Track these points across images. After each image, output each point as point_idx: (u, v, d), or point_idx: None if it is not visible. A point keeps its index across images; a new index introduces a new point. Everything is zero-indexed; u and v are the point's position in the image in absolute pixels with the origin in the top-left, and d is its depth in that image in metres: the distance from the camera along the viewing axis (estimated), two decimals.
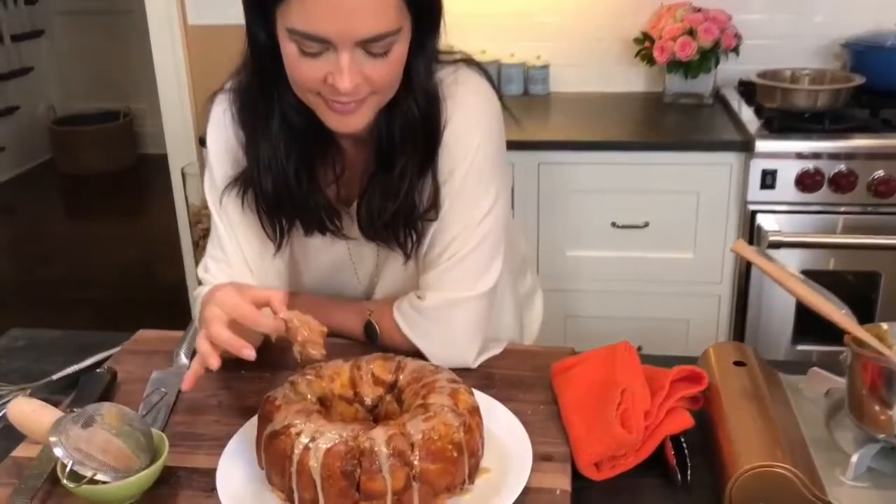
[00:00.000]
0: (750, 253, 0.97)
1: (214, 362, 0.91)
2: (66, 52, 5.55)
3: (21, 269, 4.07)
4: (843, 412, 0.96)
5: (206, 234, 3.02)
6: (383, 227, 1.12)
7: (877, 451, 0.89)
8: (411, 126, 1.07)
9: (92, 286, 3.78)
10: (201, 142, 2.62)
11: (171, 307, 3.23)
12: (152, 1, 2.78)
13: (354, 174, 1.16)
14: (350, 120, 1.03)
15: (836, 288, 2.34)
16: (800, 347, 2.23)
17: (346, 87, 0.97)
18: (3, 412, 1.06)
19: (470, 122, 1.10)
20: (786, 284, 0.96)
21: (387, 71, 1.00)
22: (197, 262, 2.97)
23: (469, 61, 1.15)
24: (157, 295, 3.53)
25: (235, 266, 1.16)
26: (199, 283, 1.19)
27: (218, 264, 1.17)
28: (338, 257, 1.22)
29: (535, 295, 1.52)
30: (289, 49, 0.98)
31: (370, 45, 0.97)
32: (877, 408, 0.88)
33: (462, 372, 1.09)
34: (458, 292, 1.12)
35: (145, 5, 2.79)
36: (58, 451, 0.83)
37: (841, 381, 0.97)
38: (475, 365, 1.12)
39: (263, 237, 1.16)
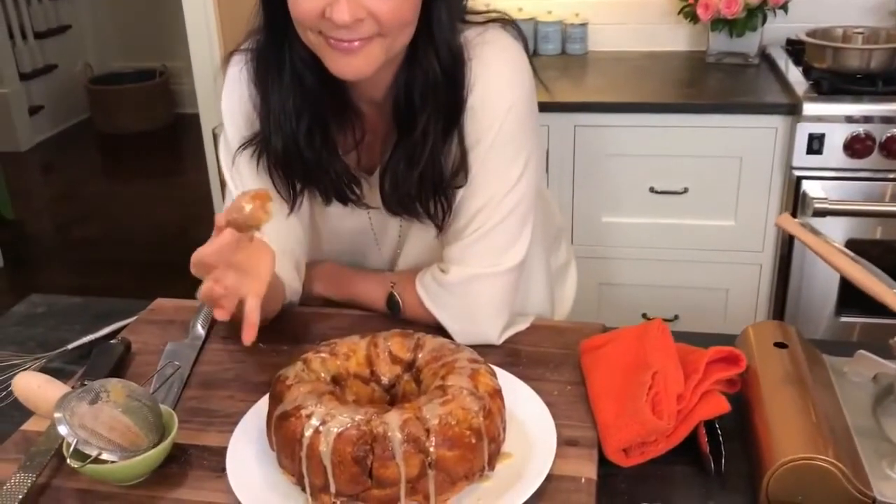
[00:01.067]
0: (795, 227, 0.91)
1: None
2: (103, 9, 5.53)
3: (58, 228, 4.10)
4: (891, 398, 0.90)
5: None
6: (408, 198, 1.06)
7: None
8: (433, 85, 1.01)
9: (127, 246, 3.79)
10: None
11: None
12: None
13: (375, 140, 1.11)
14: (353, 61, 0.96)
15: (883, 258, 2.26)
16: (843, 319, 2.14)
17: (343, 18, 0.92)
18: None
19: (498, 86, 1.03)
20: (832, 261, 0.89)
21: (392, 7, 0.93)
22: None
23: (503, 21, 1.08)
24: (189, 258, 3.53)
25: None
26: None
27: None
28: (359, 226, 1.17)
29: (568, 267, 1.46)
30: None
31: None
32: None
33: (486, 348, 1.05)
34: (483, 268, 1.06)
35: None
36: (62, 429, 0.80)
37: (891, 366, 0.90)
38: (499, 342, 1.07)
39: (280, 201, 1.11)
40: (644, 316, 2.28)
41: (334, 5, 0.92)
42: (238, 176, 1.11)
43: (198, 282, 0.90)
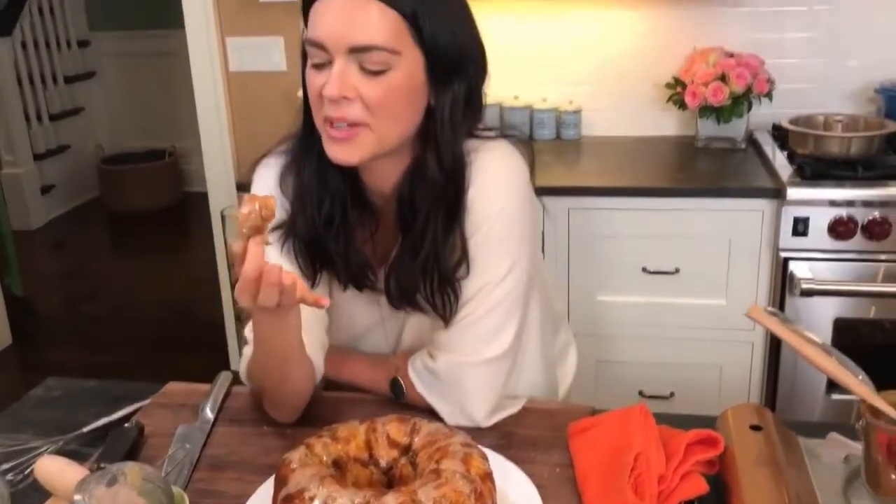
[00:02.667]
0: (765, 318, 0.97)
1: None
2: (116, 92, 5.71)
3: (66, 305, 4.17)
4: (860, 481, 0.95)
5: None
6: (413, 293, 1.14)
7: None
8: (434, 187, 1.10)
9: (134, 324, 3.86)
10: (239, 187, 2.69)
11: (211, 345, 3.29)
12: (196, 48, 2.88)
13: (387, 233, 1.20)
14: (344, 148, 1.06)
15: (871, 336, 2.30)
16: (835, 397, 2.19)
17: (332, 92, 1.02)
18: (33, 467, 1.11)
19: (490, 190, 1.12)
20: (802, 351, 0.96)
21: (380, 93, 1.03)
22: (235, 303, 3.03)
23: (512, 137, 1.18)
24: (198, 333, 3.59)
25: None
26: None
27: None
28: (369, 309, 1.25)
29: (569, 347, 1.53)
30: (307, 67, 1.06)
31: (363, 58, 1.02)
32: (893, 477, 0.87)
33: (480, 431, 1.11)
34: (468, 356, 1.13)
35: (189, 52, 2.88)
36: None
37: (860, 448, 0.96)
38: (487, 424, 1.13)
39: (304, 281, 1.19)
40: (640, 394, 2.33)
41: (328, 82, 1.03)
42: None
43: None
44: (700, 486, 0.95)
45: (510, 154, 1.16)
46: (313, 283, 1.19)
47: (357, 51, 1.02)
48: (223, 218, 2.94)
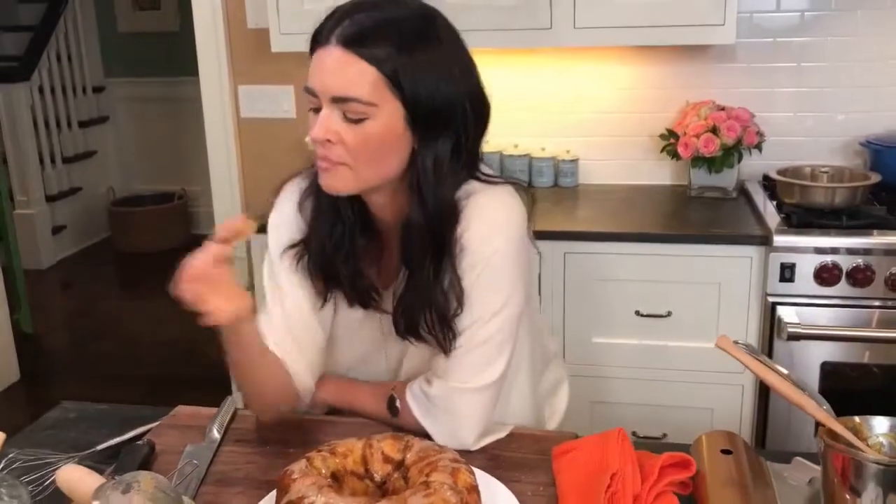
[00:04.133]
0: (733, 348, 1.05)
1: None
2: (128, 136, 5.86)
3: (74, 343, 4.25)
4: (823, 502, 1.02)
5: None
6: (416, 325, 1.22)
7: None
8: (420, 230, 1.19)
9: (139, 362, 3.93)
10: None
11: (214, 383, 3.35)
12: (209, 95, 3.00)
13: (391, 259, 1.29)
14: (326, 179, 1.19)
15: (860, 381, 2.36)
16: (812, 452, 2.24)
17: (314, 133, 1.15)
18: (51, 479, 1.18)
19: (486, 231, 1.21)
20: (766, 379, 1.04)
21: (357, 140, 1.14)
22: None
23: (514, 183, 1.28)
24: (202, 372, 3.65)
25: (276, 325, 1.28)
26: None
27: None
28: (371, 334, 1.34)
29: (560, 385, 1.59)
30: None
31: (345, 107, 1.13)
32: (847, 497, 0.94)
33: (471, 454, 1.18)
34: (462, 383, 1.22)
35: (202, 100, 3.00)
36: None
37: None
38: (474, 448, 1.21)
39: (311, 301, 1.30)
40: (633, 434, 2.38)
41: (314, 125, 1.15)
42: (273, 281, 1.31)
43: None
44: None
45: (510, 199, 1.24)
46: (325, 300, 1.29)
47: (338, 101, 1.14)
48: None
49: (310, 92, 1.16)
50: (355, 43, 1.12)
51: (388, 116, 1.14)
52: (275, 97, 2.95)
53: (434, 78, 1.15)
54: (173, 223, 5.58)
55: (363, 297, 1.28)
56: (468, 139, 1.20)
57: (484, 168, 1.26)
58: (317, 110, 1.16)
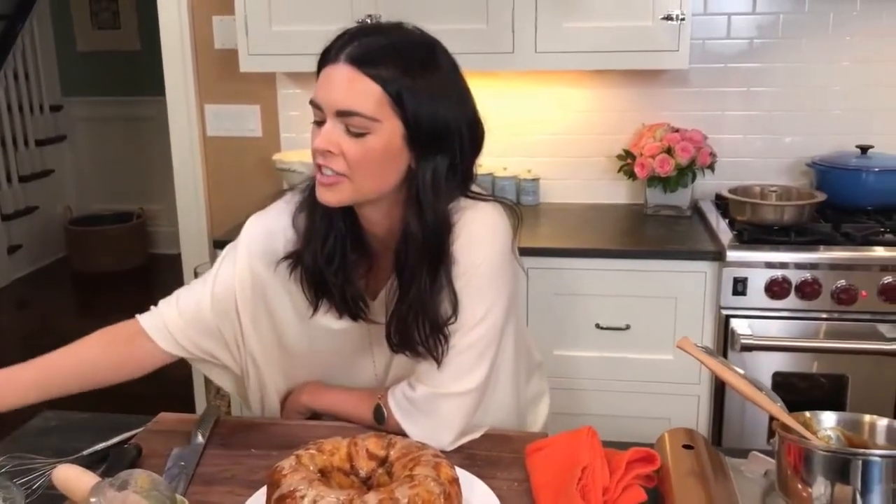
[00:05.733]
0: (693, 349, 1.13)
1: None
2: (86, 156, 5.83)
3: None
4: (776, 493, 1.09)
5: None
6: (409, 336, 1.27)
7: None
8: (417, 242, 1.25)
9: None
10: (215, 244, 2.81)
11: (178, 400, 3.35)
12: (175, 113, 3.03)
13: (381, 271, 1.36)
14: (325, 193, 1.24)
15: (810, 390, 2.46)
16: (766, 449, 2.33)
17: (317, 144, 1.21)
18: (39, 483, 1.21)
19: (474, 244, 1.28)
20: (724, 377, 1.11)
21: (358, 153, 1.20)
22: None
23: (502, 202, 1.35)
24: (164, 389, 3.64)
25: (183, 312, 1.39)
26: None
27: (169, 304, 1.41)
28: (359, 341, 1.39)
29: (541, 398, 1.67)
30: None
31: (348, 121, 1.20)
32: (799, 485, 1.02)
33: (447, 453, 1.24)
34: (445, 388, 1.28)
35: (168, 118, 3.04)
36: None
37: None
38: (450, 448, 1.27)
39: (306, 307, 1.36)
40: None
41: (318, 136, 1.21)
42: (225, 261, 1.39)
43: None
44: (639, 496, 1.08)
45: (497, 215, 1.32)
46: (315, 310, 1.34)
47: (342, 114, 1.20)
48: (196, 275, 3.06)
49: (315, 105, 1.22)
50: (363, 62, 1.19)
51: (389, 133, 1.21)
52: (241, 116, 3.00)
53: (435, 102, 1.22)
54: (132, 243, 5.56)
55: (352, 309, 1.33)
56: (464, 160, 1.27)
57: (474, 187, 1.33)
58: (319, 123, 1.22)
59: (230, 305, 1.37)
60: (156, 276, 5.49)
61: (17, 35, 5.32)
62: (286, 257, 1.34)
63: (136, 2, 5.51)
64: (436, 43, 1.28)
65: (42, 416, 1.46)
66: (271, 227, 1.37)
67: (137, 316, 1.41)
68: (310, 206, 1.32)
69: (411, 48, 1.24)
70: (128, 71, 5.51)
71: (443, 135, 1.24)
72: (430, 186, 1.24)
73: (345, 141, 1.20)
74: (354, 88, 1.19)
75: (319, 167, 1.23)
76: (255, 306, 1.37)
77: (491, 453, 1.26)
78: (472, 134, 1.28)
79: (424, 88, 1.21)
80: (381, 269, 1.35)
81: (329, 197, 1.24)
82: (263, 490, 1.06)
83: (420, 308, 1.25)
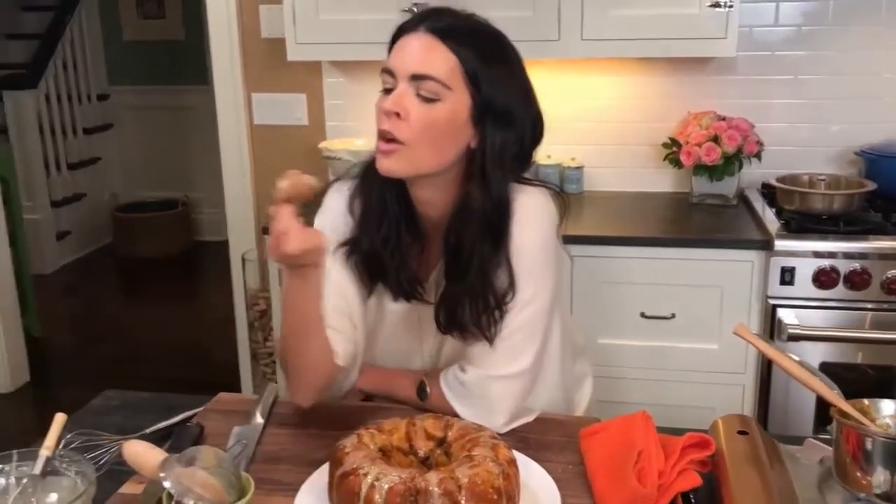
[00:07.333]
0: (749, 335, 1.13)
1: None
2: (132, 143, 5.93)
3: (80, 345, 4.30)
4: (833, 479, 1.10)
5: (262, 315, 3.22)
6: (455, 315, 1.30)
7: None
8: (480, 219, 1.27)
9: (147, 363, 3.99)
10: (264, 231, 2.85)
11: (224, 384, 3.41)
12: (223, 102, 3.08)
13: (433, 252, 1.37)
14: (384, 160, 1.26)
15: (857, 381, 2.44)
16: (822, 437, 2.32)
17: (386, 105, 1.23)
18: (105, 458, 1.25)
19: (524, 226, 1.30)
20: (781, 363, 1.12)
21: (425, 118, 1.23)
22: (251, 342, 3.17)
23: (551, 188, 1.37)
24: (210, 373, 3.72)
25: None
26: None
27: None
28: (410, 326, 1.42)
29: (584, 380, 1.70)
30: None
31: (420, 85, 1.22)
32: (858, 472, 1.02)
33: (501, 436, 1.25)
34: (495, 370, 1.30)
35: (216, 106, 3.08)
36: (166, 484, 1.00)
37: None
38: (503, 431, 1.28)
39: (358, 294, 1.37)
40: None
41: (388, 99, 1.24)
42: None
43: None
44: (694, 480, 1.09)
45: (546, 200, 1.35)
46: (370, 293, 1.37)
47: (416, 78, 1.23)
48: (244, 261, 3.11)
49: (387, 71, 1.25)
50: (444, 34, 1.23)
51: (458, 104, 1.24)
52: (288, 105, 3.03)
53: (505, 91, 1.27)
54: (176, 230, 5.64)
55: (408, 290, 1.36)
56: (525, 145, 1.31)
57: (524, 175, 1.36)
58: (388, 91, 1.25)
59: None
60: (199, 263, 5.57)
61: (65, 26, 5.42)
62: (342, 245, 1.36)
63: None
64: (503, 36, 1.31)
65: (104, 395, 1.51)
66: (326, 220, 1.39)
67: None
68: (364, 190, 1.35)
69: (486, 37, 1.29)
70: (172, 60, 5.58)
71: (507, 118, 1.27)
72: (497, 160, 1.27)
73: (414, 105, 1.23)
74: (432, 54, 1.22)
75: (382, 134, 1.25)
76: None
77: (544, 437, 1.27)
78: (535, 126, 1.32)
79: (497, 77, 1.25)
80: (431, 252, 1.38)
81: (388, 164, 1.26)
82: (324, 468, 1.09)
83: (479, 286, 1.27)
